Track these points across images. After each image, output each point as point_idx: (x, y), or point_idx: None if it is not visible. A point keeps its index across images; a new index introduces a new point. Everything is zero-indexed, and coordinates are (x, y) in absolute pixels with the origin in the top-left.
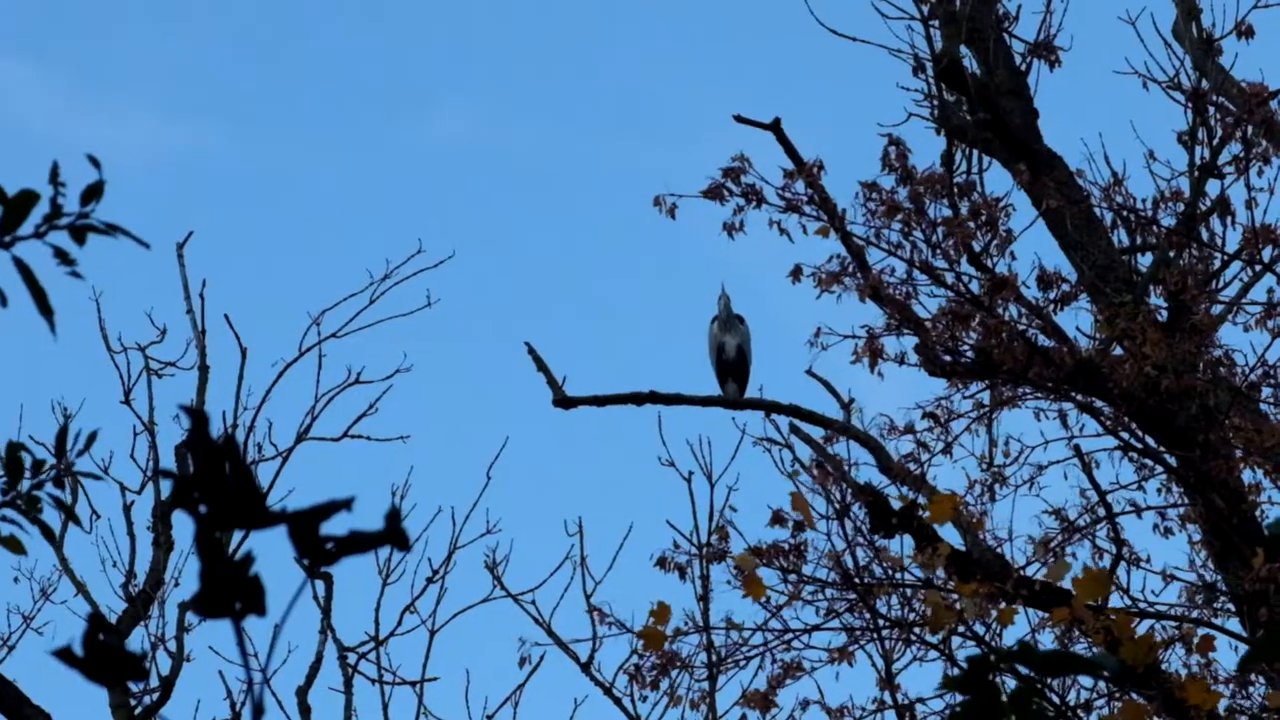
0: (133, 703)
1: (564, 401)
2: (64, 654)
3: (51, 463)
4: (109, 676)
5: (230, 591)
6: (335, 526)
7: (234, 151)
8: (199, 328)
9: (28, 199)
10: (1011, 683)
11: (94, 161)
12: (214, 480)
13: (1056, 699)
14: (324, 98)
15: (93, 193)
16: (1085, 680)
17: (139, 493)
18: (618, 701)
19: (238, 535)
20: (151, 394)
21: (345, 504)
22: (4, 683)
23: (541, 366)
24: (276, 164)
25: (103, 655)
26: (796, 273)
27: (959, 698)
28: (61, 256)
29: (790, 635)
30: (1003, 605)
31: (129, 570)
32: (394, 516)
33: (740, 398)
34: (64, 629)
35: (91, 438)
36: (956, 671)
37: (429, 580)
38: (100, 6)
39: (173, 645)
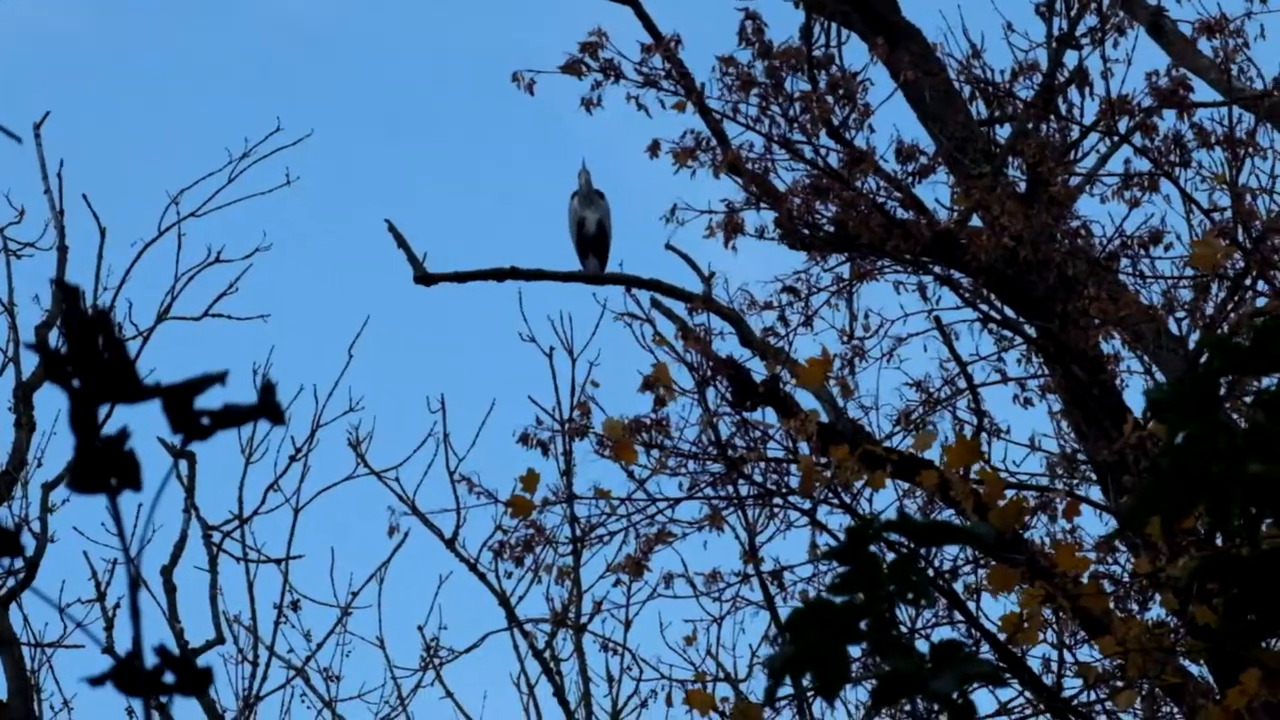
0: None
1: (425, 279)
2: None
3: None
4: None
5: (105, 467)
6: (209, 400)
7: (80, 23)
8: (57, 208)
9: None
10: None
11: None
12: (87, 354)
13: (921, 562)
14: None
15: None
16: (950, 548)
17: None
18: (482, 577)
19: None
20: (10, 274)
21: (219, 377)
22: None
23: (402, 244)
24: (123, 36)
25: None
26: (654, 148)
27: (830, 566)
28: None
29: (657, 506)
30: (872, 471)
31: None
32: (268, 390)
33: (601, 273)
34: None
35: None
36: (824, 539)
37: (292, 458)
38: None
39: (36, 526)
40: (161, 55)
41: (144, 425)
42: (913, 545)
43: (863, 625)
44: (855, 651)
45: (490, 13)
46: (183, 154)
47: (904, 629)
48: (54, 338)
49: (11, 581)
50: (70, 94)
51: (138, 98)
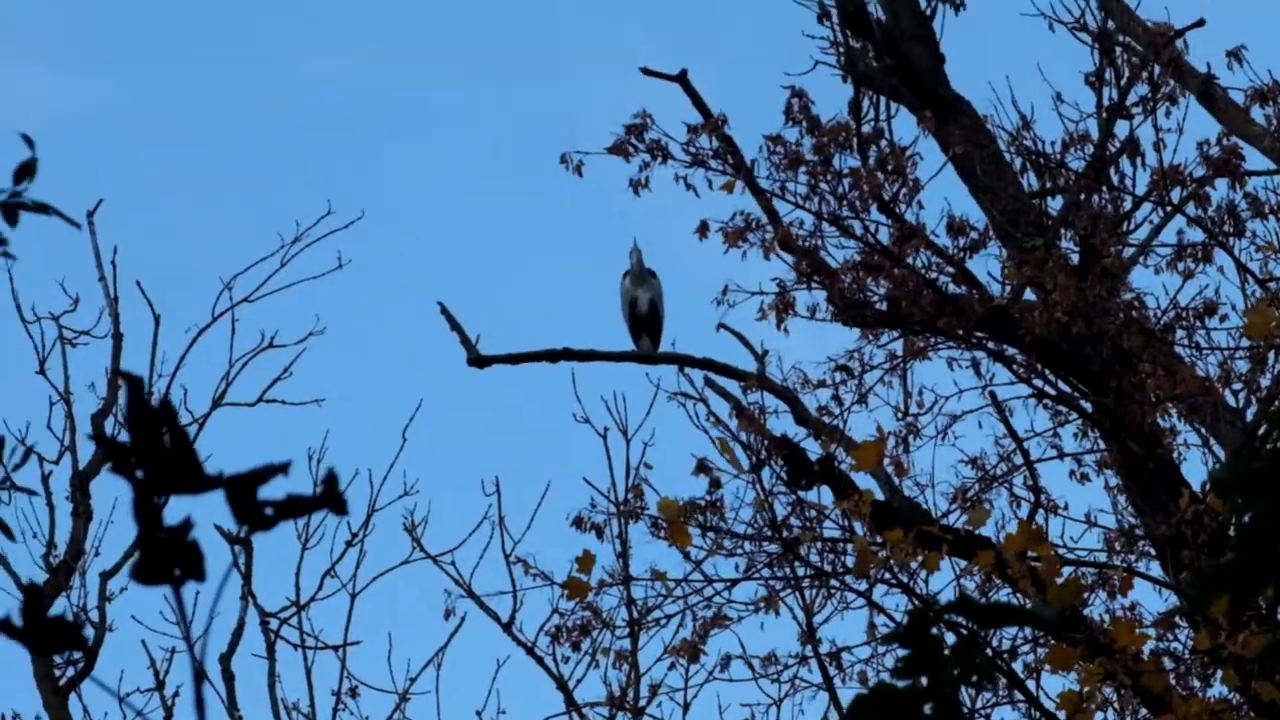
0: (58, 674)
1: (478, 361)
2: (3, 625)
3: None
4: (48, 645)
5: (170, 558)
6: (272, 490)
7: (130, 107)
8: (111, 295)
9: None
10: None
11: (27, 140)
12: (151, 445)
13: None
14: (214, 48)
15: (25, 171)
16: (1008, 629)
17: (56, 463)
18: (540, 661)
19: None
20: (66, 363)
21: (282, 468)
22: None
23: (454, 326)
24: (172, 119)
25: (41, 624)
26: (703, 229)
27: (890, 648)
28: None
29: (713, 588)
30: (927, 552)
31: (49, 541)
32: (331, 480)
33: (654, 352)
34: None
35: (28, 453)
36: (882, 620)
37: (348, 543)
38: None
39: (95, 615)
40: (203, 134)
41: (201, 513)
42: (974, 627)
43: (926, 709)
44: None
45: (535, 85)
46: (234, 238)
47: (964, 710)
48: (110, 426)
49: (71, 671)
50: (115, 174)
51: (183, 178)
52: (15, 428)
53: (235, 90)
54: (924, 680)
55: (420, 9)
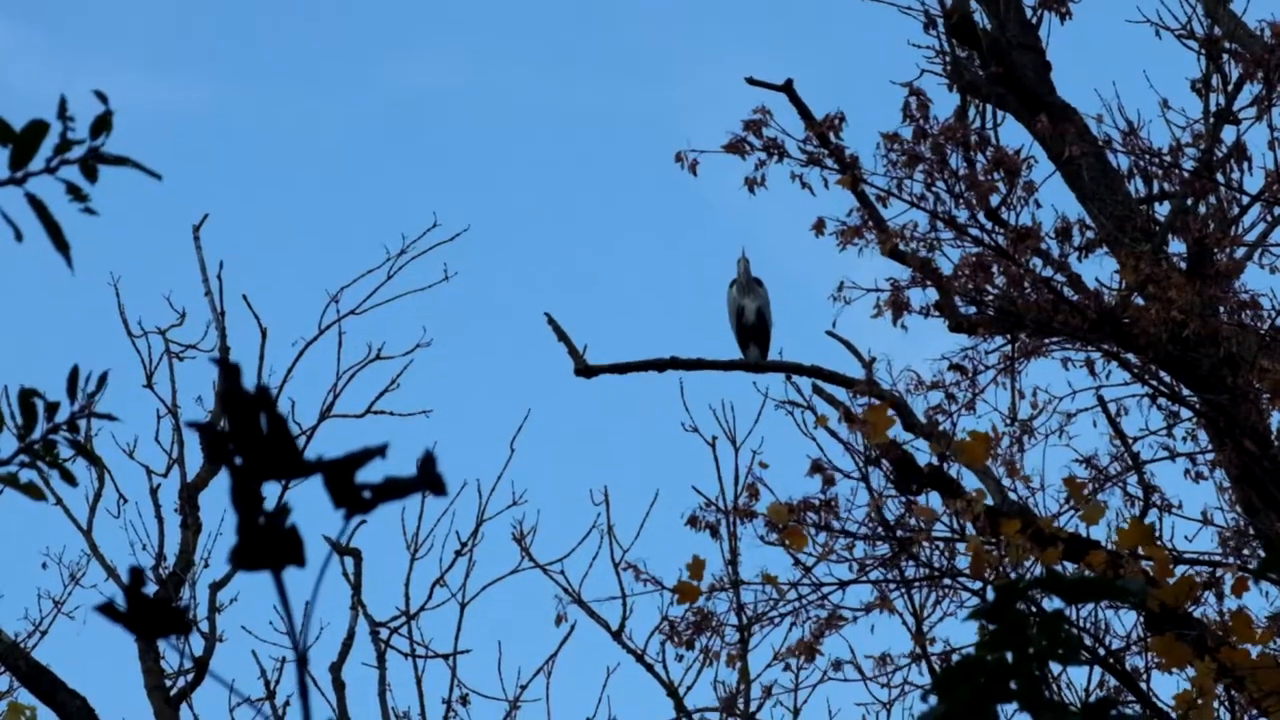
0: (168, 684)
1: (585, 370)
2: (106, 608)
3: (67, 407)
4: (151, 628)
5: (269, 543)
6: (370, 474)
7: (233, 115)
8: (218, 309)
9: (38, 130)
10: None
11: (101, 96)
12: (249, 431)
13: (1091, 642)
14: (317, 58)
15: (102, 125)
16: (1119, 629)
17: (165, 475)
18: (650, 668)
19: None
20: (174, 377)
21: (379, 451)
22: (38, 668)
23: (562, 336)
24: (275, 130)
25: (145, 608)
26: (819, 226)
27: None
28: (74, 192)
29: (825, 590)
30: (1043, 549)
31: (158, 553)
32: (429, 461)
33: (762, 361)
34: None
35: (103, 378)
36: None
37: (457, 553)
38: None
39: (205, 626)
40: (314, 149)
41: (311, 525)
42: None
43: (1012, 684)
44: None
45: (640, 94)
46: (340, 251)
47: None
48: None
49: (182, 681)
50: (224, 189)
51: (292, 194)
52: (124, 440)
53: (338, 100)
54: (1009, 656)
55: (524, 16)
